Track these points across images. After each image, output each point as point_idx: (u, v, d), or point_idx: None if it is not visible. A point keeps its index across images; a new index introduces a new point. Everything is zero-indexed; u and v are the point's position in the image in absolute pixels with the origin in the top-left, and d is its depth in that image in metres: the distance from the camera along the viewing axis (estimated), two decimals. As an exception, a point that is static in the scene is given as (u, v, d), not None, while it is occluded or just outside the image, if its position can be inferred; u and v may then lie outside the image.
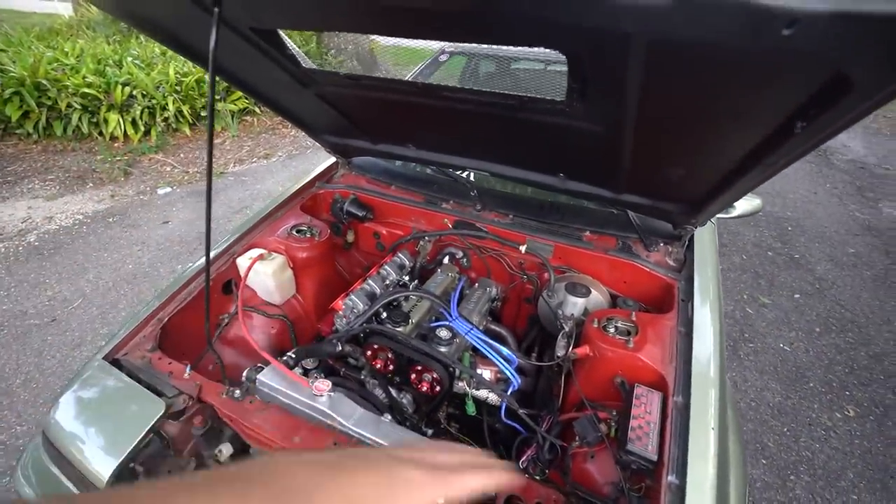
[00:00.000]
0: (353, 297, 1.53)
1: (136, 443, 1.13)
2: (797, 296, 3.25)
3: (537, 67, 3.09)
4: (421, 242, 1.88)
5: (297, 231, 1.79)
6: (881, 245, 3.90)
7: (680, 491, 0.95)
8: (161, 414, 1.17)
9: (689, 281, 1.45)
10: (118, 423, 1.17)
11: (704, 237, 1.64)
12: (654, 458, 1.05)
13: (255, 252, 1.67)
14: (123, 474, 1.12)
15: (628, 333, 1.30)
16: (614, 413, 1.25)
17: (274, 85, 1.42)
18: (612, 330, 1.31)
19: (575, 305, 1.52)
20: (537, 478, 1.27)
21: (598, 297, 1.55)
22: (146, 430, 1.14)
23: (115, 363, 1.33)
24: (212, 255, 1.69)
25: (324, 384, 1.18)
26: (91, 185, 4.50)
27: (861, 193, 4.84)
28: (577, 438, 1.23)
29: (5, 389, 2.38)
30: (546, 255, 1.65)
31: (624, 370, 1.26)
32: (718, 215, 2.07)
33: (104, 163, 4.82)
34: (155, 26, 1.08)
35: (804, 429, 2.28)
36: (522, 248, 1.66)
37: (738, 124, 0.79)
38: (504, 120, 1.17)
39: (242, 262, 1.65)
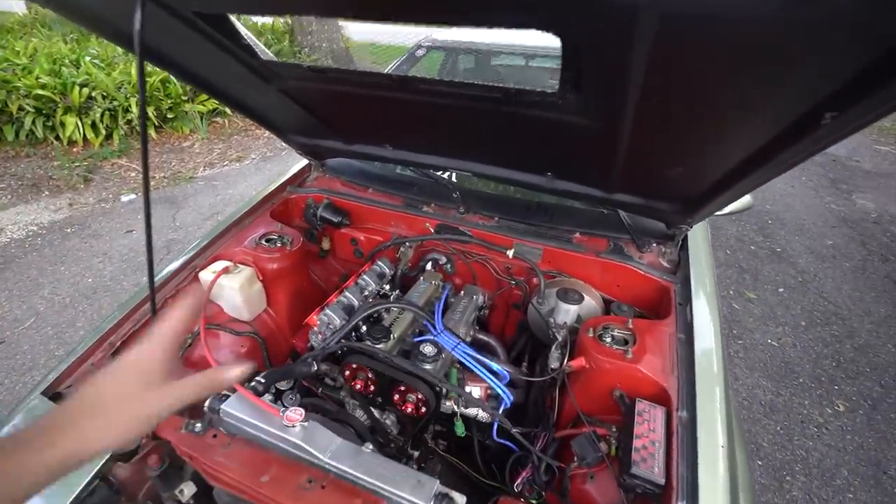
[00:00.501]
0: (328, 311, 1.41)
1: (76, 493, 0.98)
2: (781, 290, 3.26)
3: (519, 63, 3.00)
4: (402, 249, 1.77)
5: (267, 240, 1.65)
6: (857, 236, 3.97)
7: (692, 519, 0.87)
8: (108, 456, 1.03)
9: (686, 283, 1.38)
10: (57, 468, 1.02)
11: (698, 236, 1.58)
12: (662, 481, 0.96)
13: (219, 265, 1.52)
14: (63, 529, 0.98)
15: (626, 342, 1.22)
16: (614, 429, 1.16)
17: (232, 80, 1.28)
18: (608, 339, 1.22)
19: (567, 313, 1.43)
20: (533, 501, 1.18)
21: (591, 303, 1.47)
22: (90, 477, 1.00)
23: (57, 397, 1.17)
24: (173, 267, 1.54)
25: (296, 413, 1.05)
26: (47, 193, 4.21)
27: (835, 185, 4.94)
28: (575, 459, 1.14)
29: (-53, 421, 2.16)
30: (535, 260, 1.55)
31: (623, 383, 1.18)
32: (708, 212, 2.02)
33: (61, 169, 4.52)
34: (82, 11, 0.93)
35: (797, 426, 2.25)
36: (510, 253, 1.56)
37: (755, 116, 0.71)
38: (488, 115, 1.07)
39: (205, 276, 1.50)
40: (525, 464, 1.25)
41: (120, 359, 0.59)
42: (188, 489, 1.12)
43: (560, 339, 1.32)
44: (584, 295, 1.46)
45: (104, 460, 1.01)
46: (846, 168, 5.43)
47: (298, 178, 2.02)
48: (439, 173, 1.81)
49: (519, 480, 1.23)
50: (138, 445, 1.08)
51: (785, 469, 2.06)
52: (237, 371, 0.66)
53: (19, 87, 4.69)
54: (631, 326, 1.25)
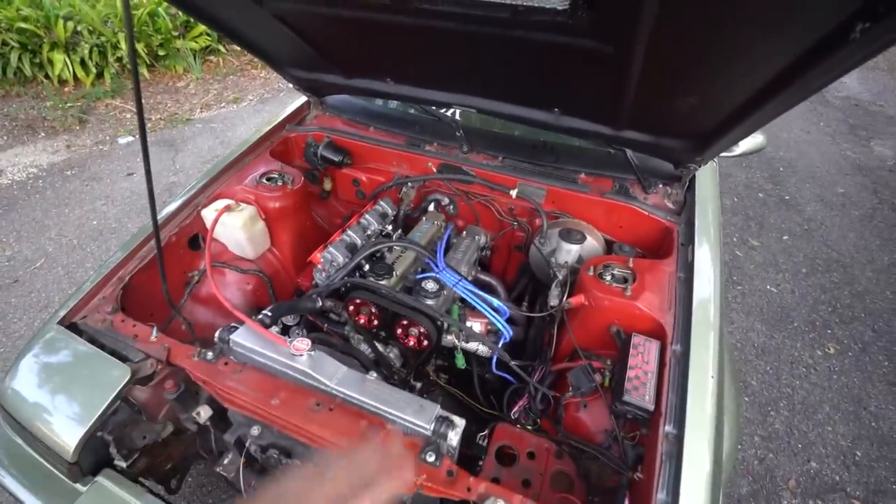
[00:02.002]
0: (331, 249, 1.42)
1: (101, 411, 1.05)
2: (786, 237, 3.24)
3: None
4: (404, 189, 1.75)
5: (268, 179, 1.64)
6: (870, 184, 3.87)
7: (678, 441, 0.92)
8: (127, 380, 1.08)
9: (690, 224, 1.36)
10: (81, 391, 1.08)
11: (706, 177, 1.54)
12: (651, 408, 1.01)
13: (221, 203, 1.52)
14: (91, 444, 1.05)
15: (625, 281, 1.23)
16: (609, 362, 1.21)
17: (223, 1, 1.20)
18: (608, 277, 1.24)
19: (569, 253, 1.44)
20: (529, 427, 1.25)
21: (593, 243, 1.47)
22: (112, 397, 1.06)
23: (73, 327, 1.22)
24: (174, 206, 1.54)
25: (303, 343, 1.09)
26: (43, 134, 4.12)
27: (853, 132, 4.75)
28: (570, 388, 1.19)
29: (-29, 354, 2.28)
30: (538, 200, 1.54)
31: (620, 319, 1.21)
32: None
33: (55, 109, 4.39)
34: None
35: (786, 367, 2.34)
36: (513, 193, 1.54)
37: (780, 31, 0.66)
38: (493, 41, 1.01)
39: (208, 213, 1.50)
40: (522, 394, 1.31)
41: None
42: (204, 412, 1.19)
43: (560, 277, 1.33)
44: (587, 235, 1.45)
45: (124, 383, 1.07)
46: (868, 113, 5.19)
47: (297, 117, 1.96)
48: (443, 111, 1.75)
49: (515, 409, 1.30)
50: (154, 371, 1.14)
51: (770, 405, 2.17)
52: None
53: (0, 20, 4.45)
54: (631, 265, 1.26)
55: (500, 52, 1.09)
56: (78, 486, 1.06)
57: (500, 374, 1.34)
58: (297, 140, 1.88)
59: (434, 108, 1.73)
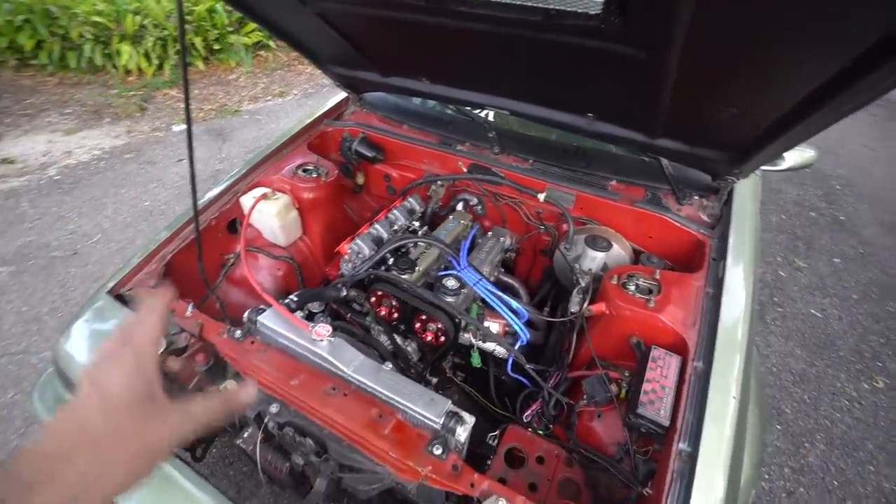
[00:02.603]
0: (358, 241, 1.46)
1: (136, 377, 1.13)
2: (837, 260, 3.03)
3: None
4: (433, 187, 1.77)
5: (304, 170, 1.70)
6: (941, 210, 3.57)
7: (691, 459, 0.89)
8: (162, 350, 1.16)
9: (724, 238, 1.31)
10: (121, 357, 1.17)
11: (746, 191, 1.48)
12: (666, 423, 0.98)
13: (258, 191, 1.60)
14: (127, 406, 1.14)
15: (650, 292, 1.20)
16: (626, 374, 1.18)
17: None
18: (632, 287, 1.21)
19: (594, 260, 1.41)
20: (540, 432, 1.24)
21: (619, 251, 1.44)
22: (147, 365, 1.14)
23: (119, 298, 1.32)
24: (217, 191, 1.63)
25: (324, 329, 1.13)
26: (108, 119, 4.45)
27: (924, 151, 4.38)
28: (584, 396, 1.18)
29: (34, 316, 2.49)
30: (566, 205, 1.52)
31: (641, 330, 1.18)
32: (764, 167, 1.87)
33: (119, 97, 4.73)
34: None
35: (826, 397, 2.19)
36: (541, 197, 1.53)
37: (824, 37, 0.63)
38: (527, 44, 1.01)
39: (246, 200, 1.58)
40: (536, 398, 1.31)
41: (96, 385, 0.47)
42: (230, 386, 1.25)
43: (583, 284, 1.32)
44: (613, 243, 1.43)
45: (159, 352, 1.14)
46: (945, 131, 4.78)
47: (336, 112, 2.03)
48: (476, 112, 1.76)
49: (528, 412, 1.30)
50: (187, 344, 1.21)
51: (805, 436, 2.04)
52: (249, 390, 0.60)
53: (77, 13, 4.84)
54: (658, 277, 1.23)
55: (534, 55, 1.09)
56: (113, 444, 1.15)
57: (516, 376, 1.34)
58: (333, 134, 1.95)
59: (468, 108, 1.74)
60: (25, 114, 4.45)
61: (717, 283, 1.20)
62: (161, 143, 4.14)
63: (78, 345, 1.23)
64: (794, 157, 1.75)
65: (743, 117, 0.99)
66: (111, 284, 1.33)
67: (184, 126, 4.01)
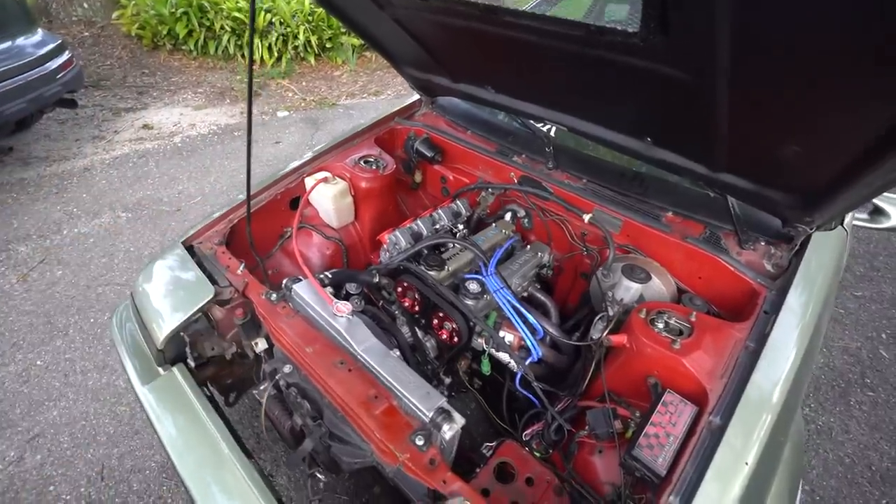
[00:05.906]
0: (397, 233, 1.54)
1: (186, 317, 1.30)
2: (963, 351, 2.51)
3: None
4: (483, 193, 1.80)
5: (365, 161, 1.82)
6: None
7: (679, 517, 0.82)
8: (210, 298, 1.33)
9: (782, 292, 1.17)
10: (178, 298, 1.36)
11: (828, 245, 1.30)
12: (662, 472, 0.91)
13: (321, 174, 1.74)
14: (175, 340, 1.32)
15: (679, 333, 1.11)
16: (637, 414, 1.11)
17: (352, 4, 1.39)
18: (660, 325, 1.13)
19: (628, 290, 1.34)
20: (537, 454, 1.20)
21: (659, 286, 1.35)
22: (196, 308, 1.31)
23: (190, 249, 1.52)
24: (289, 169, 1.81)
25: (345, 306, 1.21)
26: (228, 101, 5.10)
27: None
28: (586, 427, 1.13)
29: (138, 256, 2.94)
30: (611, 229, 1.46)
31: (661, 372, 1.10)
32: (862, 223, 1.62)
33: (241, 83, 5.41)
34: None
35: (911, 507, 1.82)
36: (586, 217, 1.49)
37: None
38: (578, 60, 1.01)
39: (309, 181, 1.74)
40: (541, 419, 1.27)
41: None
42: (261, 343, 1.39)
43: (611, 312, 1.26)
44: (654, 276, 1.34)
45: (207, 300, 1.31)
46: None
47: (407, 111, 2.14)
48: (538, 126, 1.75)
49: (529, 431, 1.26)
50: (231, 298, 1.37)
51: (873, 547, 1.72)
52: None
53: (223, 8, 5.62)
54: (693, 319, 1.14)
55: (587, 72, 1.08)
56: (160, 370, 1.34)
57: (524, 392, 1.32)
58: (400, 132, 2.06)
59: (530, 121, 1.75)
60: (169, 90, 5.26)
61: (762, 339, 1.07)
62: (265, 125, 4.64)
63: (149, 282, 1.44)
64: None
65: (809, 157, 0.89)
66: (186, 237, 1.54)
67: (287, 112, 4.45)
